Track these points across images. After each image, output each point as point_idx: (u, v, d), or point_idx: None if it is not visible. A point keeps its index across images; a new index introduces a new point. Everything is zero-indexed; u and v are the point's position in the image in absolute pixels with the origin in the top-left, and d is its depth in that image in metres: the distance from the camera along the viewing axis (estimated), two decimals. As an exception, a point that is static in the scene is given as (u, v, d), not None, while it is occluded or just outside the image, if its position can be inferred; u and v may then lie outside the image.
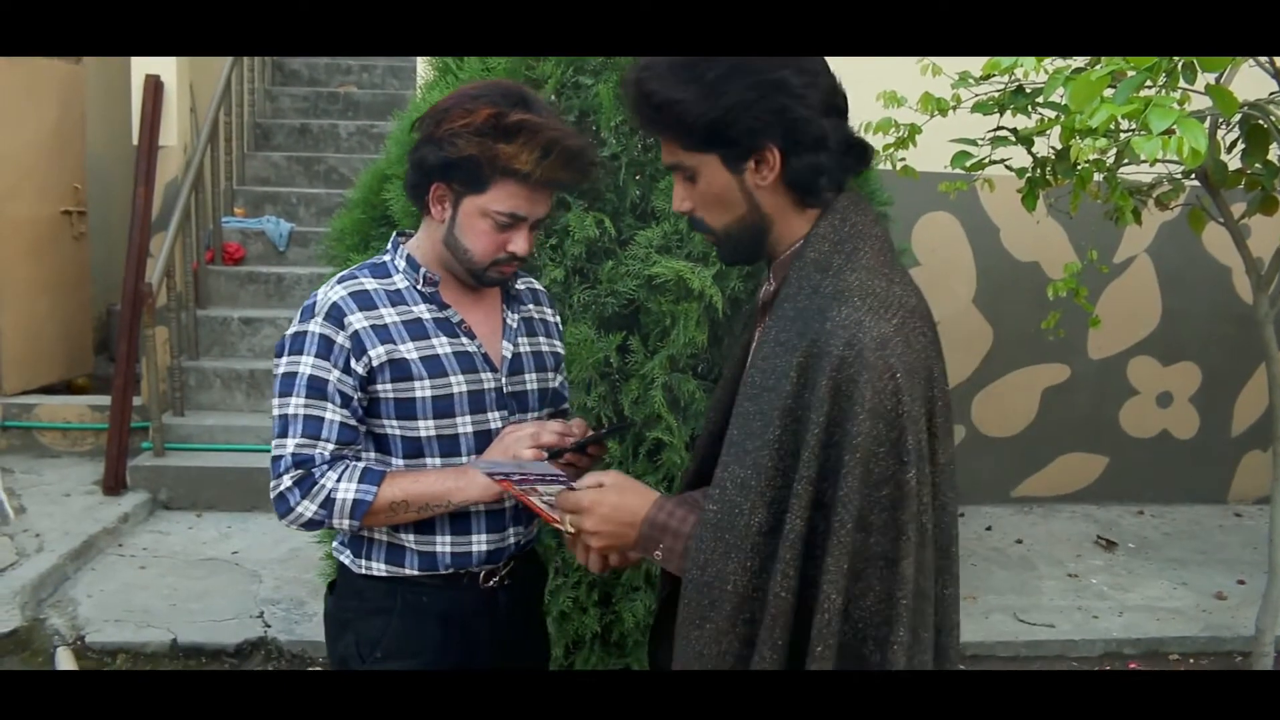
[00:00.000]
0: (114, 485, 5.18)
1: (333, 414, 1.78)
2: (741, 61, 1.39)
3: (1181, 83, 2.49)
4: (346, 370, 1.77)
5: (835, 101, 1.45)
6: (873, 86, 3.62)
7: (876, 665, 1.33)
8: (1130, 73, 2.39)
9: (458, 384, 1.83)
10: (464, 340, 1.86)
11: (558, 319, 2.11)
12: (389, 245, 1.91)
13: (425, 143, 1.77)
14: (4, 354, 5.92)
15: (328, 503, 1.77)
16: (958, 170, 3.45)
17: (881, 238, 1.46)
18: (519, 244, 1.80)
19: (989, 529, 5.50)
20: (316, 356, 1.77)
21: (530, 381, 1.95)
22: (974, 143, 3.36)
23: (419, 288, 1.85)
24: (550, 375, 2.01)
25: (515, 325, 1.95)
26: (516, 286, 1.98)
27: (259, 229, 6.54)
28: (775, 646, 1.33)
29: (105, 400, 5.56)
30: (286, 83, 8.11)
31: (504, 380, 1.90)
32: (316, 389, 1.77)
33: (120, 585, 4.29)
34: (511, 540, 1.93)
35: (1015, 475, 5.92)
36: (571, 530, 1.55)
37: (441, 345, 1.83)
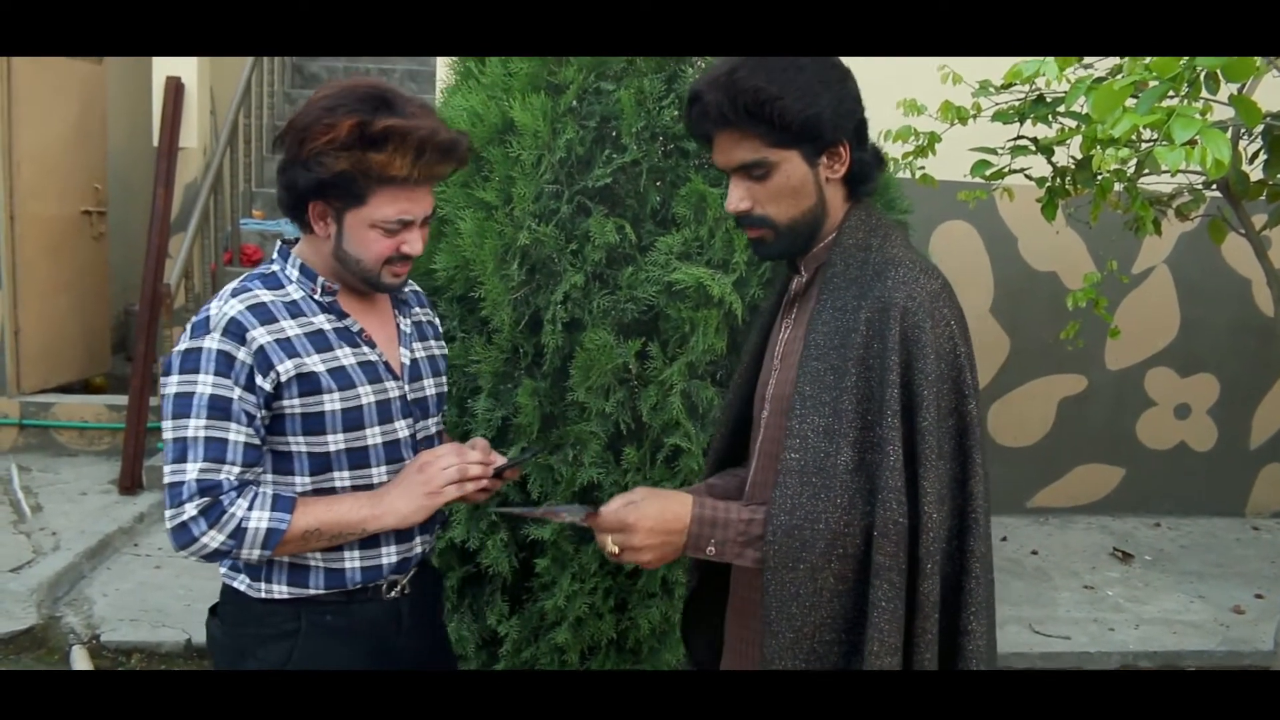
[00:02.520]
0: (130, 485, 5.20)
1: (236, 434, 1.67)
2: (819, 63, 1.52)
3: (1204, 93, 2.48)
4: (250, 388, 1.67)
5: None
6: (893, 94, 3.62)
7: (958, 575, 1.50)
8: (1153, 82, 2.39)
9: (365, 395, 1.77)
10: (365, 349, 1.81)
11: (437, 320, 2.08)
12: (275, 255, 1.83)
13: (291, 164, 1.70)
14: (22, 352, 5.95)
15: (238, 533, 1.66)
16: (977, 179, 3.44)
17: (899, 228, 1.64)
18: (413, 245, 1.76)
19: (1004, 539, 5.47)
20: (216, 374, 1.66)
21: (429, 387, 1.93)
22: (994, 151, 3.35)
23: (316, 297, 1.79)
24: (444, 379, 1.99)
25: (409, 331, 1.92)
26: (405, 291, 1.94)
27: (277, 231, 6.57)
28: (901, 570, 1.45)
29: (122, 400, 5.58)
30: (306, 85, 8.14)
31: (406, 388, 1.86)
32: (218, 409, 1.66)
33: (135, 584, 4.31)
34: (418, 549, 1.90)
35: (1031, 486, 5.89)
36: (615, 550, 1.56)
37: (346, 356, 1.77)
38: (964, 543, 1.50)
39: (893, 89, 3.72)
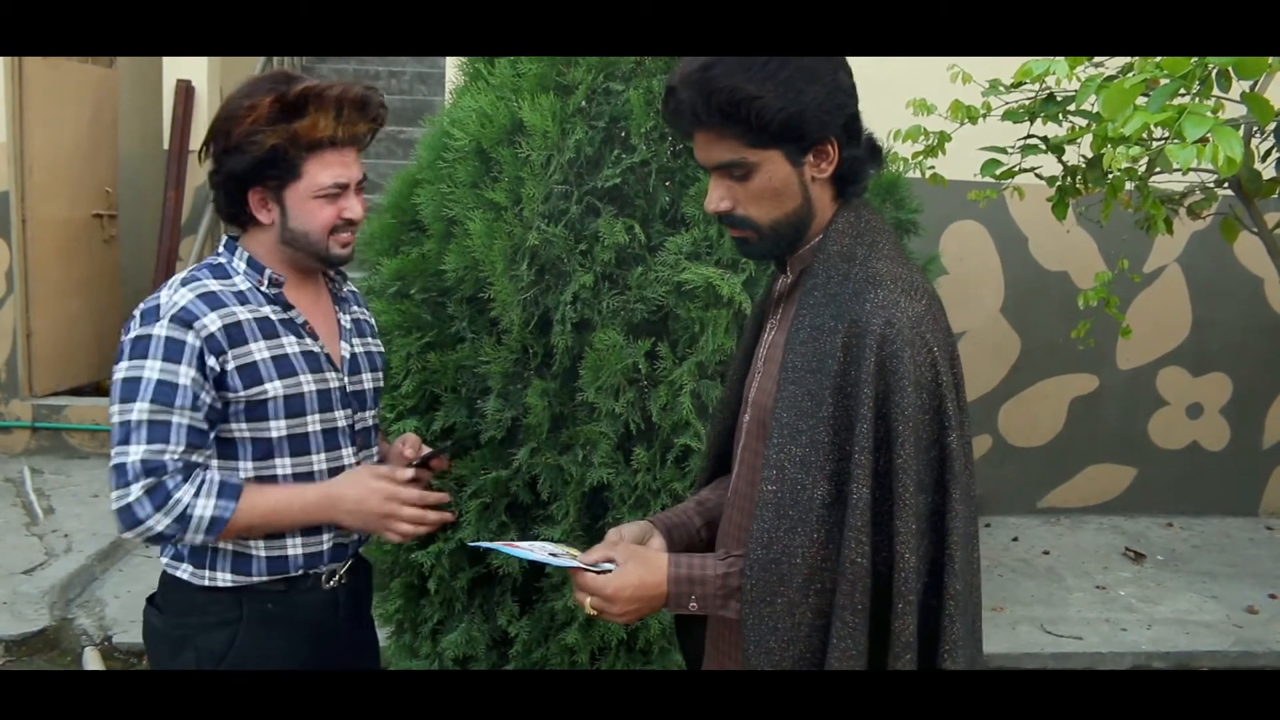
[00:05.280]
0: (142, 487, 5.20)
1: (180, 417, 1.70)
2: (804, 60, 1.43)
3: (1216, 90, 2.47)
4: (201, 370, 1.72)
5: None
6: (902, 94, 3.62)
7: (934, 613, 1.43)
8: (1164, 80, 2.38)
9: (307, 383, 1.82)
10: (309, 340, 1.86)
11: (374, 320, 2.14)
12: (222, 247, 1.88)
13: (226, 154, 1.76)
14: (34, 355, 5.97)
15: (183, 519, 1.69)
16: (987, 179, 3.43)
17: (891, 231, 1.55)
18: (353, 209, 1.82)
19: (1015, 540, 5.46)
20: (164, 360, 1.70)
21: (367, 381, 1.98)
22: (1004, 151, 3.35)
23: (262, 289, 1.83)
24: (381, 375, 2.05)
25: (349, 326, 1.98)
26: (345, 290, 2.01)
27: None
28: (856, 610, 1.40)
29: (134, 402, 5.58)
30: (315, 88, 8.14)
31: (346, 379, 1.92)
32: (163, 394, 1.70)
33: (147, 587, 4.27)
34: (355, 535, 1.95)
35: (1042, 486, 5.87)
36: (593, 611, 1.53)
37: (290, 345, 1.82)
38: (940, 579, 1.43)
39: (902, 88, 3.72)
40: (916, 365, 1.41)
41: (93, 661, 3.73)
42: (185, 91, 5.92)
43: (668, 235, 2.67)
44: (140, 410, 1.69)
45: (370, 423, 1.99)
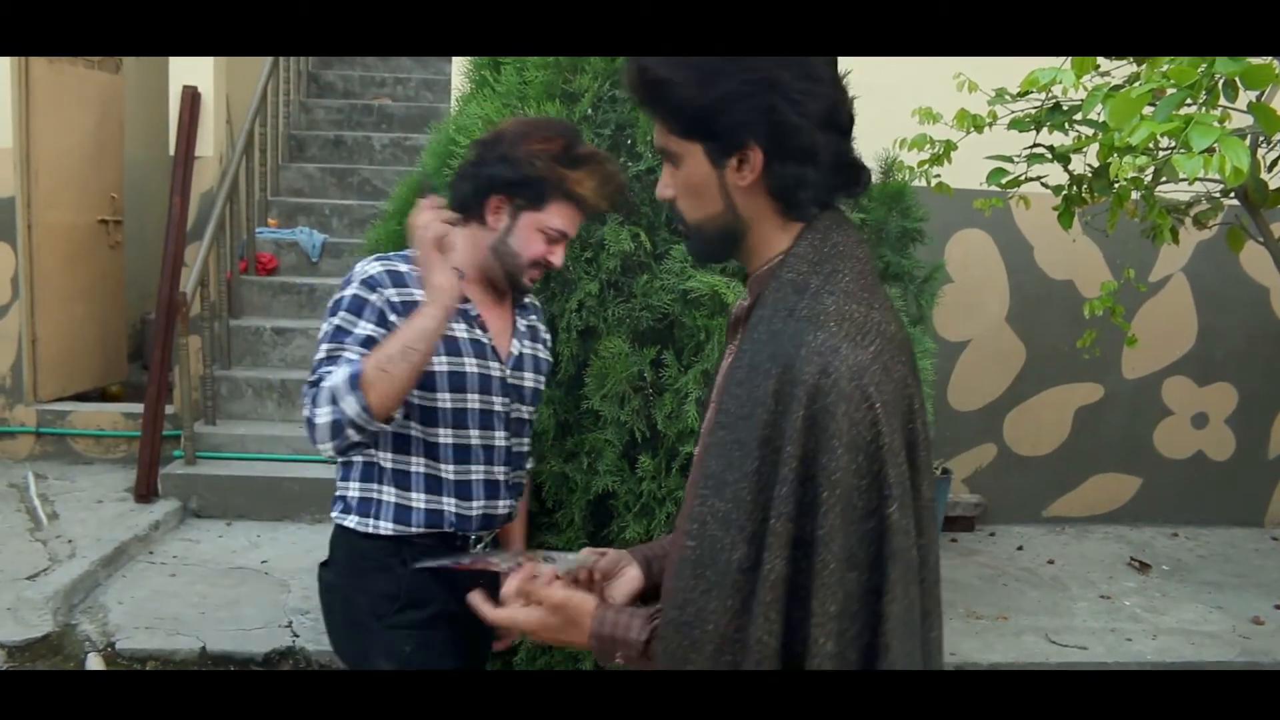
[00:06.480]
0: (145, 493, 5.21)
1: (350, 352, 1.92)
2: (745, 58, 1.32)
3: (1222, 100, 2.47)
4: (383, 324, 1.95)
5: (837, 117, 1.36)
6: (908, 102, 3.62)
7: None
8: (1170, 90, 2.38)
9: (470, 365, 2.05)
10: (478, 331, 2.08)
11: (549, 336, 2.34)
12: None
13: (497, 160, 1.99)
14: (40, 361, 5.98)
15: (331, 396, 1.85)
16: (993, 187, 3.43)
17: (863, 259, 1.37)
18: (558, 257, 2.07)
19: (1020, 549, 5.45)
20: (347, 312, 1.96)
21: (528, 379, 2.18)
22: (1010, 159, 3.34)
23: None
24: (543, 379, 2.25)
25: (523, 329, 2.20)
26: (528, 299, 2.24)
27: (292, 240, 6.59)
28: None
29: (138, 408, 5.60)
30: (321, 95, 8.18)
31: (508, 372, 2.12)
32: (339, 336, 1.94)
33: (150, 592, 4.32)
34: (503, 510, 2.16)
35: (1047, 495, 5.86)
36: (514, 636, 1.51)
37: (460, 330, 2.04)
38: (872, 669, 1.26)
39: (908, 96, 3.72)
40: (852, 423, 1.22)
41: (96, 667, 3.73)
42: (191, 97, 5.93)
43: (673, 243, 2.67)
44: (322, 350, 1.94)
45: (526, 416, 2.20)
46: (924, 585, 1.33)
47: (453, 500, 2.08)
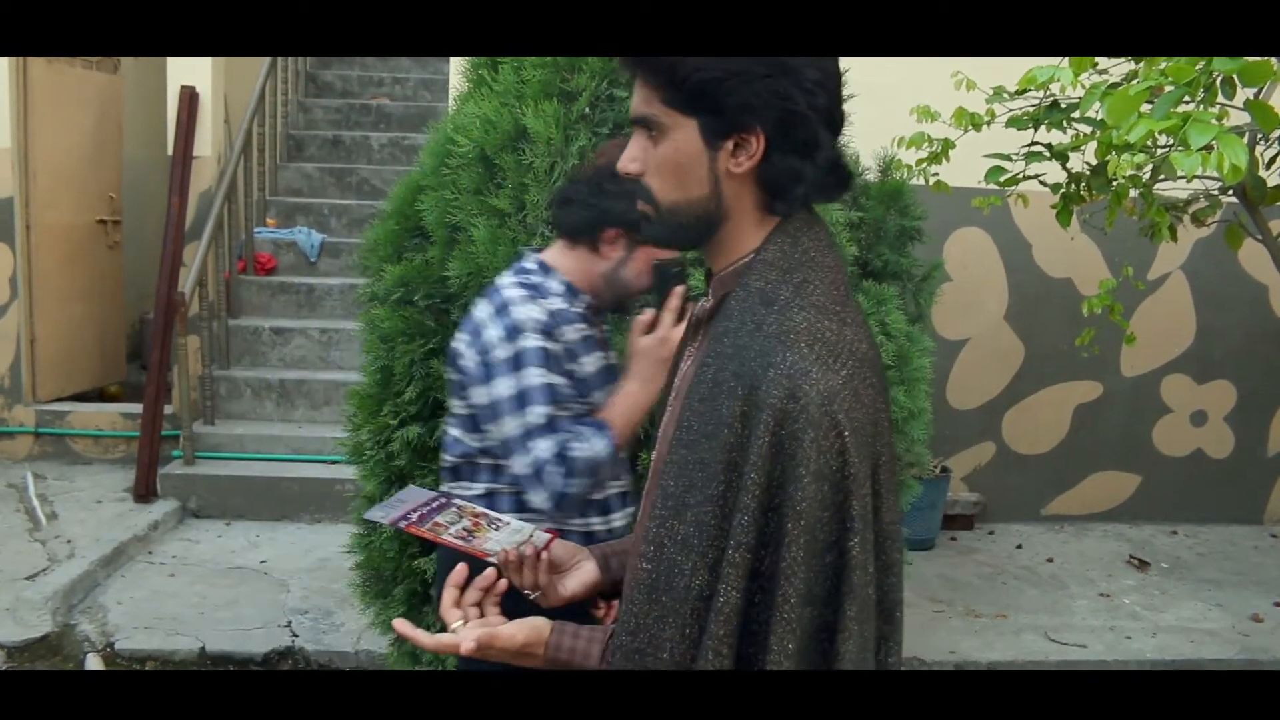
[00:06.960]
0: (144, 493, 5.21)
1: (560, 412, 2.03)
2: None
3: (1220, 97, 2.47)
4: (563, 373, 2.04)
5: (836, 115, 1.30)
6: (906, 101, 3.62)
7: None
8: (1168, 88, 2.37)
9: (608, 391, 2.14)
10: (605, 354, 2.19)
11: None
12: (530, 264, 2.15)
13: (621, 195, 1.99)
14: (38, 361, 5.98)
15: (592, 468, 1.99)
16: (991, 185, 3.43)
17: (834, 268, 1.29)
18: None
19: (1019, 547, 5.45)
20: (539, 367, 2.01)
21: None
22: (1008, 158, 3.34)
23: (574, 308, 2.10)
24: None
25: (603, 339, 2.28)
26: None
27: (291, 240, 6.59)
28: None
29: (137, 408, 5.60)
30: (319, 94, 8.17)
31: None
32: (550, 393, 2.02)
33: (150, 593, 4.32)
34: (618, 522, 2.23)
35: (1046, 493, 5.87)
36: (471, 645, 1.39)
37: (593, 362, 2.13)
38: None
39: (906, 95, 3.72)
40: (820, 452, 1.16)
41: (95, 667, 3.73)
42: (189, 98, 5.92)
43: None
44: (536, 414, 2.00)
45: None
46: (883, 612, 1.28)
47: (599, 518, 2.18)
